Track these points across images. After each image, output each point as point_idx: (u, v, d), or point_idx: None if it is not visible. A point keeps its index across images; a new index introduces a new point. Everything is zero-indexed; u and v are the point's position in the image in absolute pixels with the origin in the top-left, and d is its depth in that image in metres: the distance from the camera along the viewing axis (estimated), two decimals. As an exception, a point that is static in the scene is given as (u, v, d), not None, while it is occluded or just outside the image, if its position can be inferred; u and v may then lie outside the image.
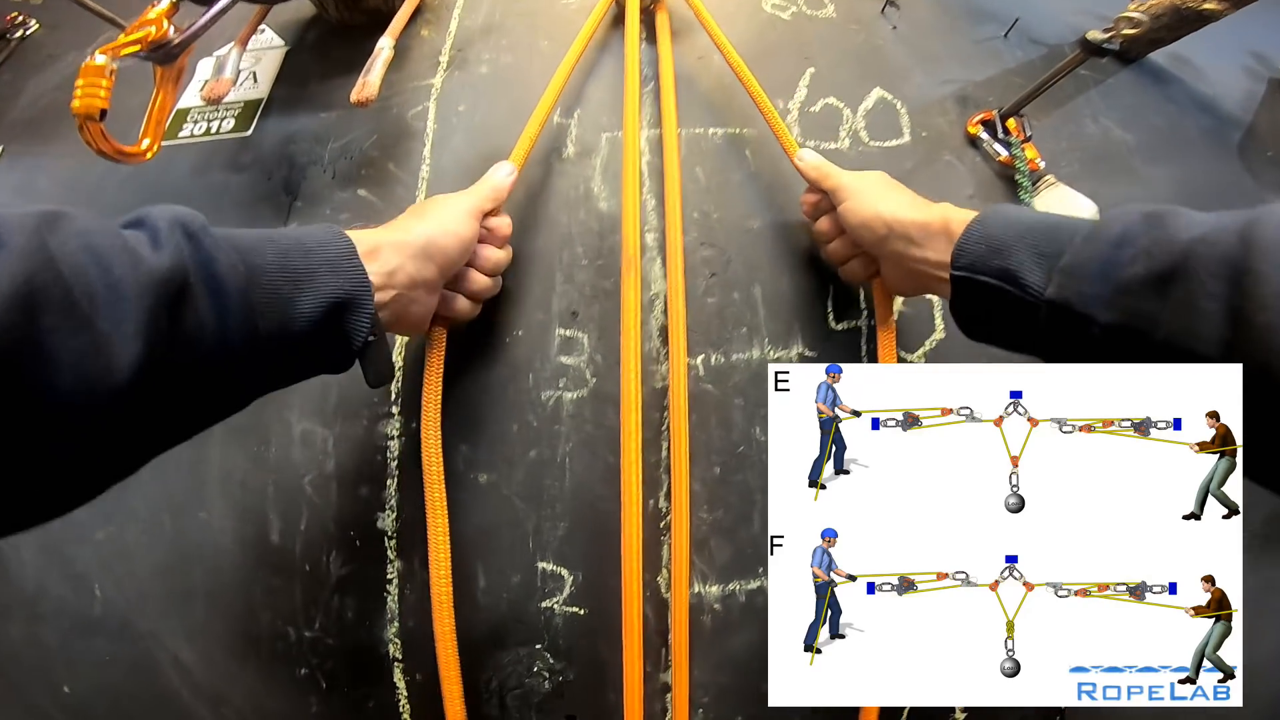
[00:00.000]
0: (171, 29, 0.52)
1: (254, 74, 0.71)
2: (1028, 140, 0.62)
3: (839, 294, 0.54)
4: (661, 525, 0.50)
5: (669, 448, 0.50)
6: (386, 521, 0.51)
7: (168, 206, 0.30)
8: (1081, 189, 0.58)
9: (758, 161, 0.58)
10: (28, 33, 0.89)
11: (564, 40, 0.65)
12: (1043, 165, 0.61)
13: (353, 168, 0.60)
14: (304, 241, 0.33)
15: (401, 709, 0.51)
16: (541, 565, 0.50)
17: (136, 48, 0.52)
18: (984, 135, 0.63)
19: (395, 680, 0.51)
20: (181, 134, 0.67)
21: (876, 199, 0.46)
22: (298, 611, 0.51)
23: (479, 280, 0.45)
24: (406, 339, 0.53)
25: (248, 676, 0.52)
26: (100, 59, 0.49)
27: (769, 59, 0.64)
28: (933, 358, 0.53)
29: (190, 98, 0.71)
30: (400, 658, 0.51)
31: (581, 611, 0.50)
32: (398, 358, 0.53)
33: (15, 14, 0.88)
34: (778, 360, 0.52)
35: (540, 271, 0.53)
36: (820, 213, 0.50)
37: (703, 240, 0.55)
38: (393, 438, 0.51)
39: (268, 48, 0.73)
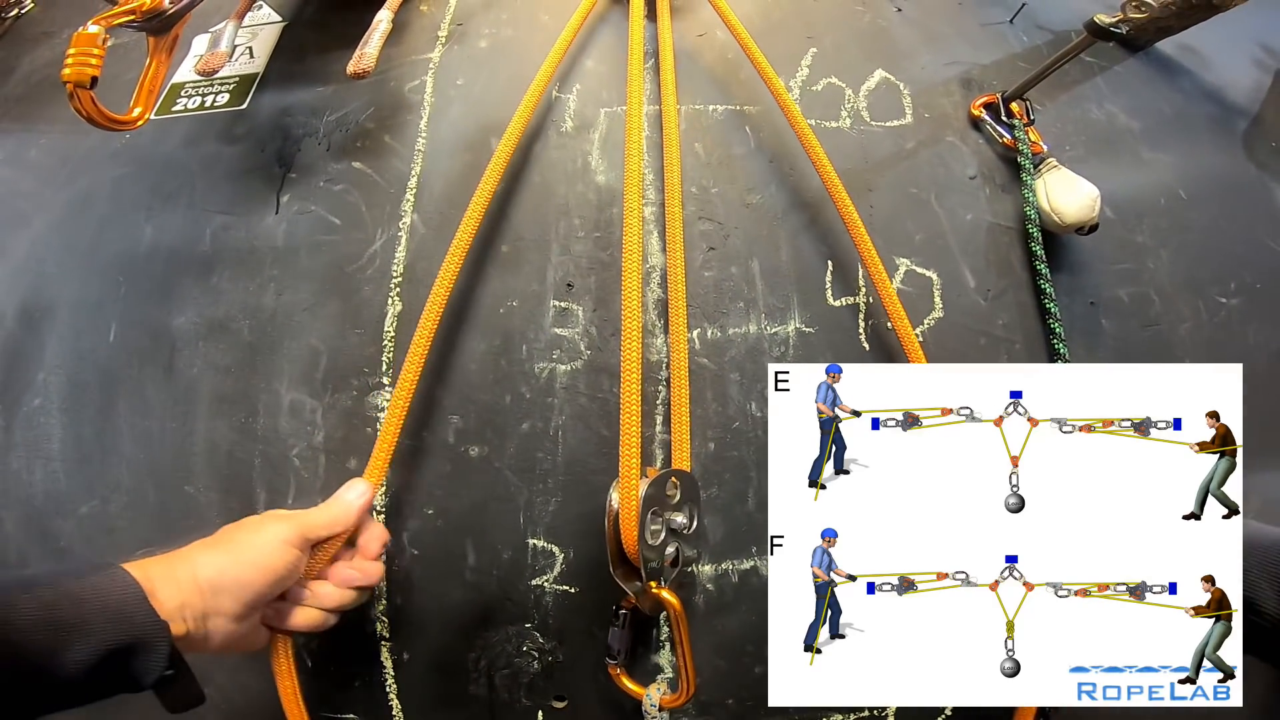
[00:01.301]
0: (165, 0, 0.52)
1: (250, 49, 0.70)
2: (1031, 123, 0.62)
3: (838, 270, 0.53)
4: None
5: (664, 421, 0.49)
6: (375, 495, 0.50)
7: None
8: (1085, 173, 0.57)
9: (759, 138, 0.58)
10: (23, 11, 0.88)
11: (564, 14, 0.64)
12: (1046, 148, 0.60)
13: (348, 140, 0.59)
14: (74, 590, 0.31)
15: (388, 688, 0.50)
16: (532, 542, 0.49)
17: (131, 17, 0.52)
18: (987, 117, 0.62)
19: (382, 659, 0.50)
20: (175, 108, 0.66)
21: None
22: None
23: (330, 595, 0.42)
24: (396, 300, 0.52)
25: (232, 655, 0.51)
26: (93, 28, 0.49)
27: (771, 37, 0.64)
28: (931, 336, 0.52)
29: (186, 73, 0.70)
30: (387, 636, 0.50)
31: (572, 590, 0.49)
32: (389, 327, 0.52)
33: (11, -8, 0.88)
34: (775, 335, 0.51)
35: (536, 243, 0.53)
36: None
37: (701, 214, 0.54)
38: (383, 409, 0.51)
39: (265, 23, 0.72)
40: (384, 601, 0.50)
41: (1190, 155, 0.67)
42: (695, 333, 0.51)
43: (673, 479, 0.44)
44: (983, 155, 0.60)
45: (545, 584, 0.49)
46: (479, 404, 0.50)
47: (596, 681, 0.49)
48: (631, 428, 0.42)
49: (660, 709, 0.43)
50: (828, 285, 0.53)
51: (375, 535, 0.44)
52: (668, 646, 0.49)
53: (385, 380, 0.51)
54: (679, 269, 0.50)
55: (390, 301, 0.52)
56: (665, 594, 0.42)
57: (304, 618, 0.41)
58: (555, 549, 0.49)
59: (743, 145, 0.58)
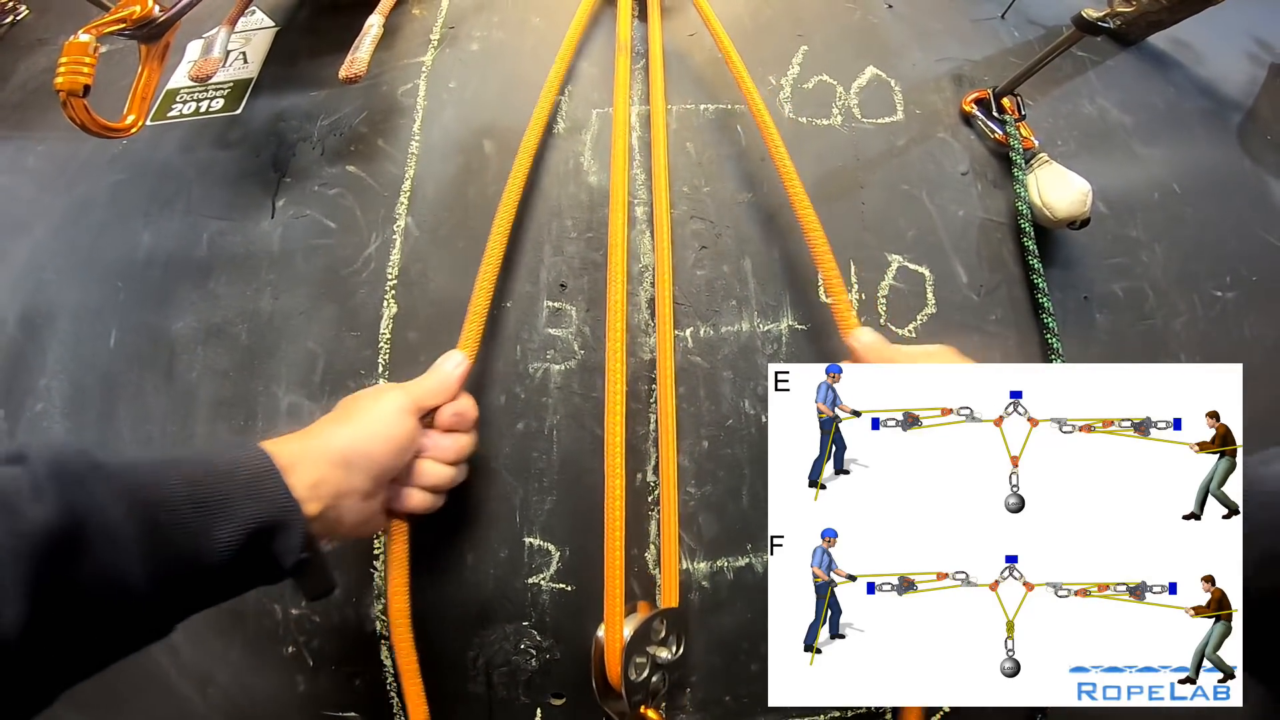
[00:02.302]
0: (156, 7, 0.52)
1: (244, 54, 0.70)
2: (1022, 119, 0.62)
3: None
4: (650, 499, 0.50)
5: (657, 420, 0.50)
6: (373, 496, 0.50)
7: (51, 446, 0.27)
8: (1077, 168, 0.58)
9: (749, 137, 0.58)
10: (18, 18, 0.89)
11: (555, 16, 0.65)
12: (1037, 143, 0.60)
13: (342, 144, 0.60)
14: (217, 465, 0.31)
15: (389, 686, 0.51)
16: (529, 540, 0.50)
17: (121, 25, 0.52)
18: (978, 113, 0.62)
19: (382, 658, 0.51)
20: (170, 114, 0.67)
21: None
22: (283, 588, 0.51)
23: (433, 473, 0.42)
24: (392, 303, 0.52)
25: (233, 655, 0.52)
26: (84, 37, 0.49)
27: (762, 35, 0.64)
28: (923, 332, 0.53)
29: (180, 79, 0.70)
30: (387, 635, 0.51)
31: (569, 588, 0.49)
32: (385, 330, 0.52)
33: (5, 0, 0.88)
34: (767, 332, 0.51)
35: (529, 243, 0.53)
36: None
37: (693, 213, 0.54)
38: (379, 411, 0.51)
39: (258, 28, 0.72)
40: (383, 601, 0.51)
41: (1184, 149, 0.67)
42: (688, 331, 0.51)
43: (659, 619, 0.46)
44: (974, 151, 0.61)
45: (542, 582, 0.50)
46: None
47: (590, 676, 0.49)
48: (615, 576, 0.44)
49: None
50: (819, 283, 0.53)
51: (464, 407, 0.44)
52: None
53: (382, 382, 0.51)
54: (666, 267, 0.50)
55: (385, 304, 0.53)
56: (650, 715, 0.44)
57: (417, 499, 0.41)
58: (551, 547, 0.50)
59: (734, 144, 0.58)
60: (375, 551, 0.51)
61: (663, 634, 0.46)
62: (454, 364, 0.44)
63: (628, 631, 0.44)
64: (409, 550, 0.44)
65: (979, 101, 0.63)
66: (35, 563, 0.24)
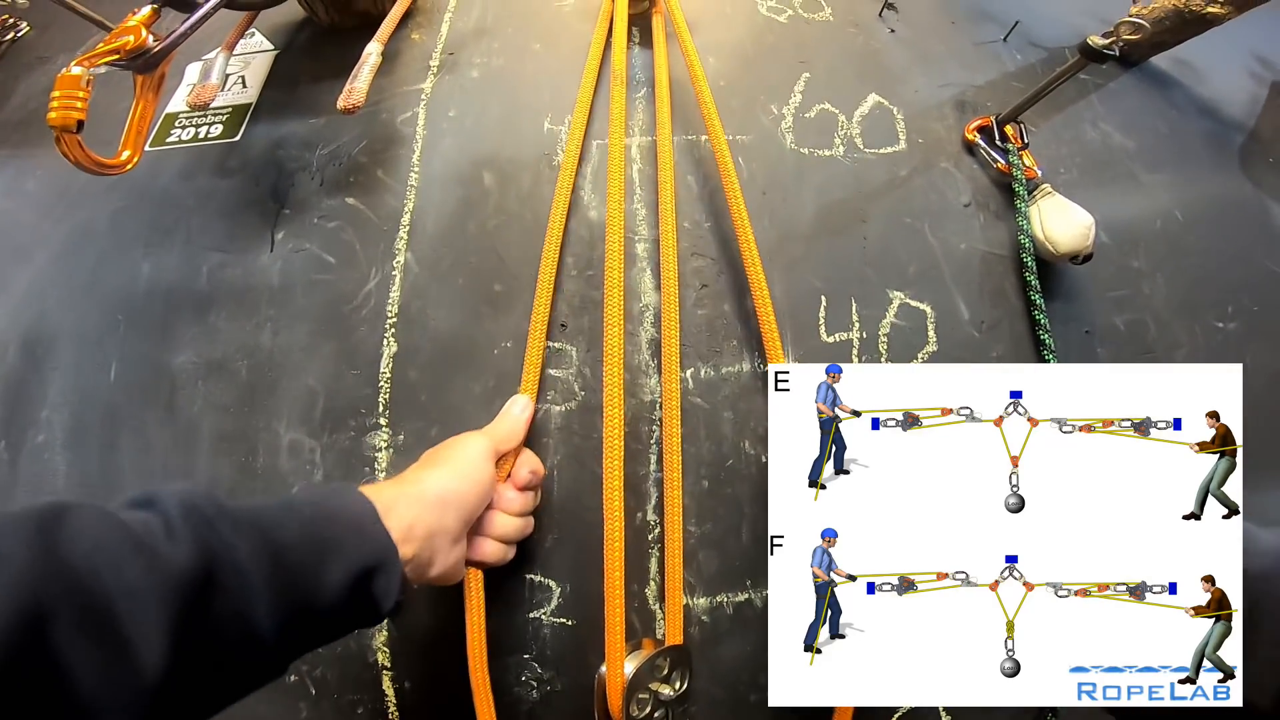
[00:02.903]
0: (150, 37, 0.51)
1: (243, 78, 0.70)
2: (1025, 147, 0.61)
3: (832, 304, 0.53)
4: (650, 538, 0.50)
5: (658, 460, 0.50)
6: (374, 532, 0.51)
7: (179, 489, 0.28)
8: (1081, 196, 0.57)
9: (751, 167, 0.58)
10: (18, 35, 0.88)
11: (557, 42, 0.65)
12: (1040, 173, 0.60)
13: (341, 174, 0.59)
14: (326, 508, 0.32)
15: (390, 716, 0.51)
16: (530, 576, 0.50)
17: (115, 56, 0.51)
18: (981, 142, 0.62)
19: (384, 688, 0.51)
20: (169, 139, 0.67)
21: None
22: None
23: (506, 524, 0.43)
24: (392, 341, 0.52)
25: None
26: (76, 70, 0.48)
27: (764, 63, 0.63)
28: (925, 370, 0.53)
29: (178, 103, 0.70)
30: (389, 665, 0.51)
31: (570, 622, 0.50)
32: (385, 368, 0.52)
33: (6, 16, 0.88)
34: (768, 373, 0.51)
35: (528, 281, 0.53)
36: None
37: (694, 250, 0.54)
38: (381, 449, 0.51)
39: (257, 51, 0.72)
40: (385, 632, 0.51)
41: (1186, 175, 0.67)
42: (689, 371, 0.51)
43: (661, 657, 0.46)
44: (977, 181, 0.60)
45: (543, 616, 0.50)
46: (475, 444, 0.50)
47: (593, 711, 0.50)
48: (615, 617, 0.44)
49: None
50: (821, 321, 0.53)
51: (525, 463, 0.45)
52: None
53: (382, 421, 0.51)
54: (673, 307, 0.50)
55: (386, 342, 0.53)
56: None
57: (491, 550, 0.42)
58: (552, 583, 0.50)
59: (736, 181, 0.57)
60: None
61: (665, 671, 0.46)
62: (521, 408, 0.46)
63: (629, 669, 0.44)
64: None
65: (982, 129, 0.63)
66: (175, 605, 0.25)
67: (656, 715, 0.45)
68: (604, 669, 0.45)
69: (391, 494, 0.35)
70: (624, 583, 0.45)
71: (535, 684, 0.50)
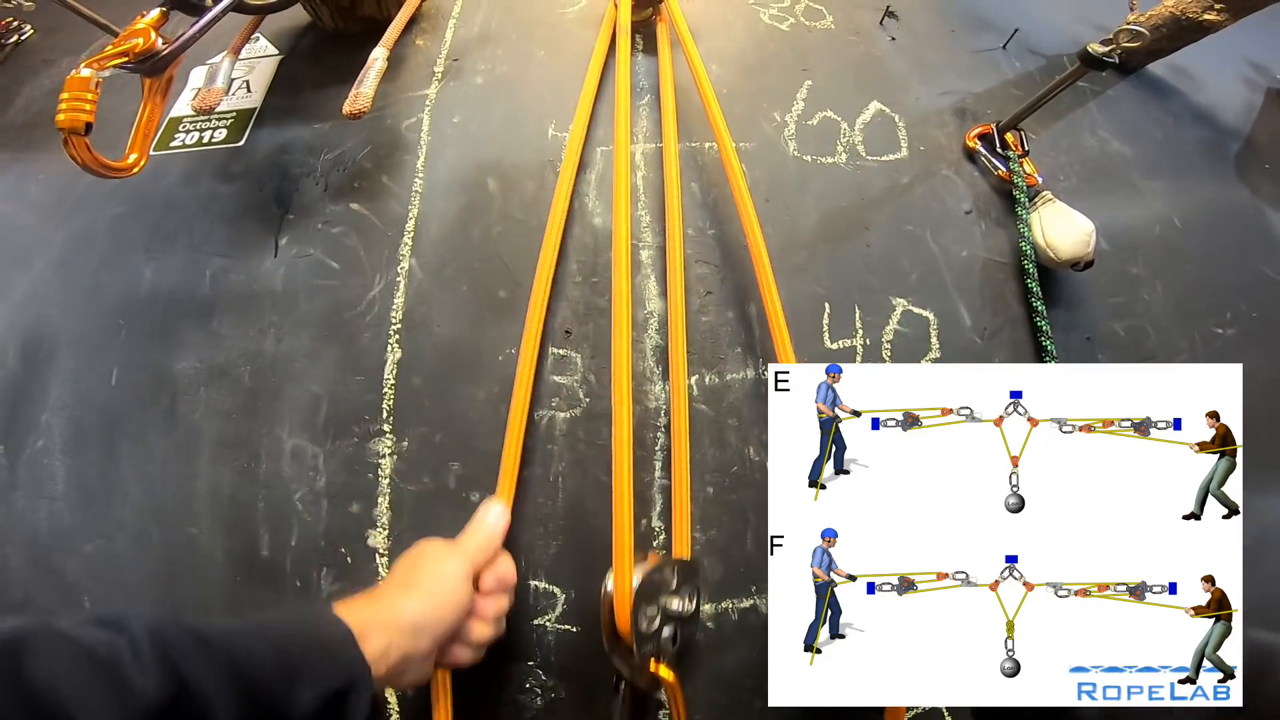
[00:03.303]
0: (159, 40, 0.51)
1: (247, 83, 0.70)
2: (1025, 154, 0.62)
3: (835, 311, 0.54)
4: (655, 544, 0.50)
5: (664, 467, 0.50)
6: (378, 538, 0.50)
7: (148, 615, 0.28)
8: (1079, 203, 0.58)
9: (754, 175, 0.58)
10: (23, 38, 0.88)
11: (560, 49, 0.65)
12: (1040, 180, 0.60)
13: (345, 180, 0.59)
14: (300, 631, 0.33)
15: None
16: (534, 583, 0.50)
17: (124, 59, 0.51)
18: (982, 149, 0.62)
19: (387, 695, 0.51)
20: (173, 143, 0.67)
21: None
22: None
23: (480, 631, 0.43)
24: (396, 347, 0.52)
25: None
26: (85, 72, 0.48)
27: (766, 71, 0.64)
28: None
29: (183, 106, 0.70)
30: (386, 699, 0.50)
31: (574, 629, 0.49)
32: (389, 374, 0.52)
33: (10, 19, 0.88)
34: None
35: (531, 288, 0.53)
36: None
37: (698, 257, 0.54)
38: (384, 455, 0.51)
39: (262, 56, 0.72)
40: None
41: (1184, 182, 0.67)
42: (694, 378, 0.51)
43: (669, 566, 0.44)
44: (978, 189, 0.61)
45: (547, 623, 0.50)
46: (479, 451, 0.50)
47: (598, 717, 0.50)
48: (623, 519, 0.42)
49: None
50: (825, 328, 0.53)
51: (506, 570, 0.45)
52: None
53: (386, 427, 0.51)
54: (679, 314, 0.49)
55: (390, 348, 0.53)
56: (661, 671, 0.42)
57: (464, 655, 0.42)
58: (556, 590, 0.50)
59: (746, 189, 0.58)
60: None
61: (674, 584, 0.44)
62: (495, 516, 0.45)
63: (637, 578, 0.41)
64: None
65: (982, 137, 0.63)
66: None
67: (665, 633, 0.43)
68: (609, 581, 0.43)
69: (366, 616, 0.35)
70: (633, 486, 0.43)
71: (539, 691, 0.50)
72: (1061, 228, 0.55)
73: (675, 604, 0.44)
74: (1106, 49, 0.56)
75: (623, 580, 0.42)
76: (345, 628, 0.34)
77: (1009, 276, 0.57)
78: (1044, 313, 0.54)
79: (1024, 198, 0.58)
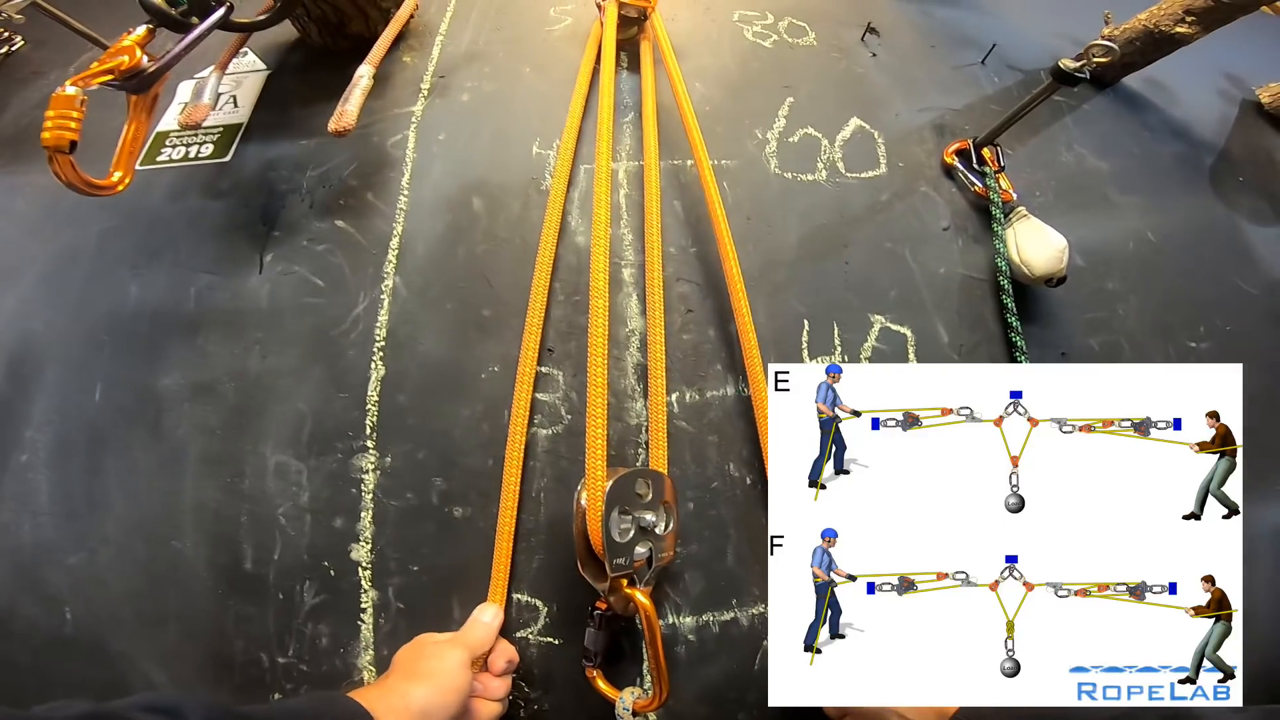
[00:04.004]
0: (145, 58, 0.51)
1: (234, 98, 0.70)
2: (1001, 170, 0.63)
3: (814, 328, 0.55)
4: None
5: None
6: (361, 552, 0.51)
7: (201, 702, 0.32)
8: (1056, 219, 0.59)
9: (736, 193, 0.59)
10: (13, 49, 0.88)
11: (547, 67, 0.66)
12: (1016, 196, 0.61)
13: (331, 197, 0.60)
14: (322, 713, 0.37)
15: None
16: (517, 597, 0.50)
17: (109, 76, 0.51)
18: (959, 165, 0.63)
19: (370, 706, 0.51)
20: (160, 158, 0.67)
21: None
22: (271, 638, 0.51)
23: (487, 710, 0.46)
24: (380, 365, 0.53)
25: (221, 701, 0.52)
26: (71, 89, 0.48)
27: (750, 88, 0.65)
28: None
29: (169, 121, 0.70)
30: (376, 687, 0.51)
31: (556, 642, 0.50)
32: (372, 391, 0.53)
33: (1, 30, 0.88)
34: (751, 397, 0.52)
35: (517, 306, 0.53)
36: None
37: (679, 275, 0.55)
38: (368, 471, 0.51)
39: (250, 71, 0.72)
40: (371, 652, 0.51)
41: (1159, 196, 0.68)
42: (674, 396, 0.52)
43: (644, 478, 0.44)
44: (955, 205, 0.62)
45: (530, 636, 0.50)
46: (463, 467, 0.51)
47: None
48: (597, 423, 0.42)
49: (634, 714, 0.43)
50: (804, 345, 0.54)
51: (502, 653, 0.48)
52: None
53: (369, 443, 0.52)
54: (659, 331, 0.50)
55: (374, 366, 0.53)
56: (636, 594, 0.42)
57: None
58: (539, 604, 0.50)
59: (721, 202, 0.58)
60: (362, 606, 0.51)
61: (648, 497, 0.44)
62: (490, 616, 0.48)
63: (609, 484, 0.41)
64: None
65: (960, 153, 0.64)
66: None
67: (639, 549, 0.43)
68: (582, 489, 0.43)
69: (379, 704, 0.39)
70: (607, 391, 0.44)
71: (523, 704, 0.50)
72: (1035, 244, 0.56)
73: (649, 516, 0.44)
74: (1078, 64, 0.57)
75: (595, 490, 0.42)
76: (364, 710, 0.37)
77: (986, 293, 0.58)
78: (1019, 329, 0.55)
79: (1000, 214, 0.59)
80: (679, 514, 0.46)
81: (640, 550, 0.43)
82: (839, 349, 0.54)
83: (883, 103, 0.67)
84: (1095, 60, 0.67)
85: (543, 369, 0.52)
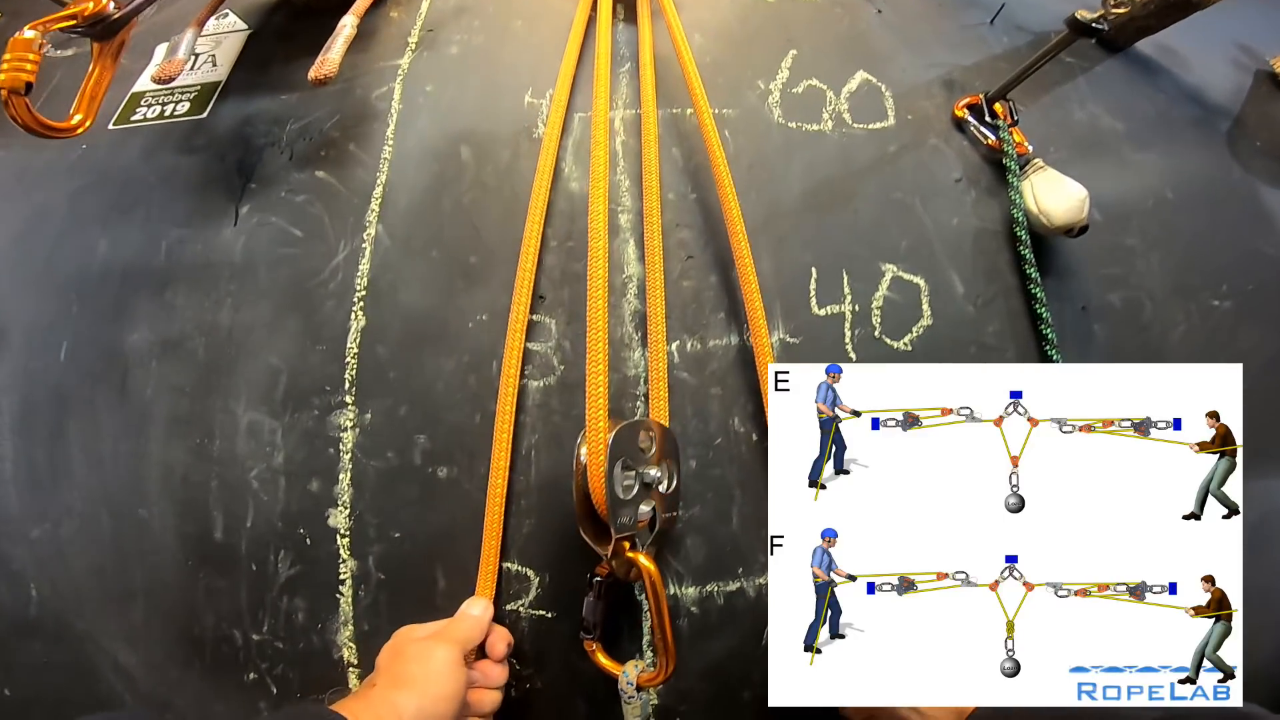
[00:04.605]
0: (111, 4, 0.50)
1: (213, 57, 0.68)
2: (1014, 124, 0.60)
3: (823, 277, 0.52)
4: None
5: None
6: (339, 518, 0.48)
7: None
8: (1071, 174, 0.56)
9: (738, 141, 0.56)
10: (-13, 18, 0.86)
11: (538, 20, 0.63)
12: (1031, 149, 0.59)
13: (311, 149, 0.57)
14: None
15: None
16: (506, 565, 0.47)
17: (72, 22, 0.50)
18: (970, 119, 0.61)
19: (351, 685, 0.48)
20: (134, 118, 0.64)
21: None
22: (244, 613, 0.48)
23: (488, 699, 0.44)
24: (360, 315, 0.50)
25: (192, 681, 0.49)
26: (29, 33, 0.47)
27: (751, 42, 0.62)
28: (920, 345, 0.51)
29: (145, 82, 0.68)
30: (355, 662, 0.48)
31: (549, 615, 0.47)
32: (352, 343, 0.50)
33: (-27, -2, 0.85)
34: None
35: (506, 253, 0.51)
36: None
37: (679, 222, 0.52)
38: (346, 429, 0.48)
39: (230, 31, 0.70)
40: (351, 627, 0.48)
41: (1176, 156, 0.66)
42: (674, 345, 0.49)
43: (646, 430, 0.42)
44: (967, 158, 0.59)
45: (521, 609, 0.47)
46: (447, 424, 0.48)
47: (576, 707, 0.47)
48: (597, 370, 0.41)
49: (638, 688, 0.41)
50: (812, 294, 0.51)
51: (501, 636, 0.46)
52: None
53: (348, 399, 0.48)
54: (658, 277, 0.48)
55: (354, 316, 0.50)
56: (640, 557, 0.40)
57: None
58: (530, 573, 0.47)
59: (722, 150, 0.56)
60: (340, 577, 0.48)
61: (651, 450, 0.42)
62: (480, 609, 0.45)
63: (611, 438, 0.39)
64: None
65: (971, 107, 0.62)
66: None
67: (643, 508, 0.41)
68: (582, 441, 0.40)
69: (364, 713, 0.36)
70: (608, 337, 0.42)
71: (514, 681, 0.47)
72: (1054, 194, 0.54)
73: (653, 471, 0.41)
74: (1095, 15, 0.55)
75: (597, 442, 0.39)
76: None
77: (1001, 245, 0.55)
78: (1039, 280, 0.52)
79: (1014, 165, 0.57)
80: (680, 473, 0.44)
81: (644, 509, 0.41)
82: (849, 297, 0.51)
83: (889, 59, 0.64)
84: (1112, 11, 0.65)
85: (534, 317, 0.49)
